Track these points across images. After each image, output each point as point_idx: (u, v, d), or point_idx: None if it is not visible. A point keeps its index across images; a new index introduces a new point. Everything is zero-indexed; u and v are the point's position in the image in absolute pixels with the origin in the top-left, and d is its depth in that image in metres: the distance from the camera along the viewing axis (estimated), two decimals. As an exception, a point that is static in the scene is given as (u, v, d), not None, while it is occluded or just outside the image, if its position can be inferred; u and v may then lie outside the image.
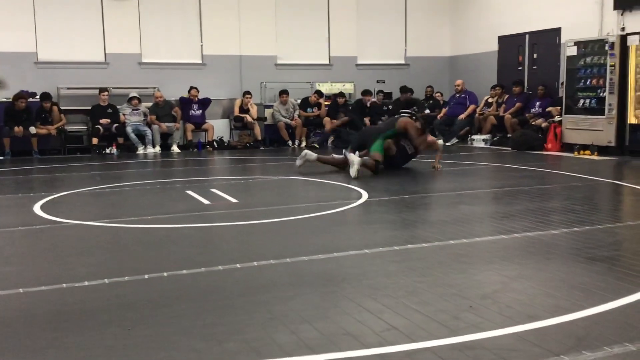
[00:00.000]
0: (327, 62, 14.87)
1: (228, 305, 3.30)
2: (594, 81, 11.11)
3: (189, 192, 7.23)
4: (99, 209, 6.50)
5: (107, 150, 12.28)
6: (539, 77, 13.12)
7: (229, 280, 3.80)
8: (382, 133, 8.94)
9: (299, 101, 13.85)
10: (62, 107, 12.32)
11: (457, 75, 15.09)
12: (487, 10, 14.61)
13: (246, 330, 2.94)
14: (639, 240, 4.83)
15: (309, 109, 13.80)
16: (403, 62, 15.56)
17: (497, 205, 6.54)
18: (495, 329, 2.90)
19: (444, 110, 14.27)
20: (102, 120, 12.26)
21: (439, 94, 14.94)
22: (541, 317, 3.03)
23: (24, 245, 4.93)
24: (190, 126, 12.97)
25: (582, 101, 11.35)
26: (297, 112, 13.59)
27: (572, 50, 11.47)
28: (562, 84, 11.98)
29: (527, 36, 13.52)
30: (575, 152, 10.97)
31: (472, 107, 13.91)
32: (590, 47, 11.17)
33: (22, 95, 11.65)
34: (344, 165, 8.75)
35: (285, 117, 13.46)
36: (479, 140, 13.21)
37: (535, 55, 13.46)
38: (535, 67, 13.46)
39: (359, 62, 15.11)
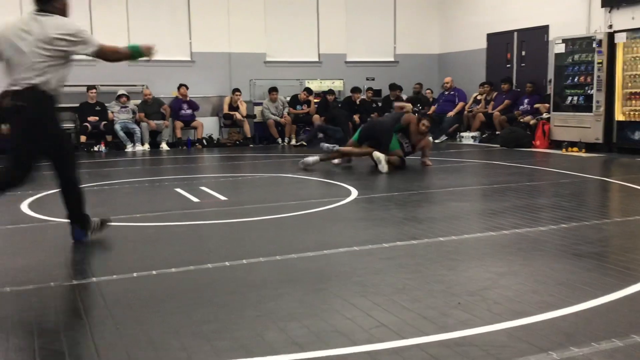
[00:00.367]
0: (317, 59, 14.87)
1: (217, 304, 3.29)
2: (582, 78, 11.17)
3: (178, 190, 7.21)
4: (87, 207, 6.45)
5: (96, 148, 12.21)
6: (527, 74, 13.18)
7: (218, 278, 3.79)
8: (390, 129, 8.88)
9: (288, 99, 13.83)
10: (49, 105, 12.22)
11: (446, 73, 15.14)
12: (475, 8, 14.65)
13: (235, 328, 2.94)
14: (626, 236, 4.86)
15: (298, 107, 13.79)
16: (392, 59, 15.57)
17: (485, 202, 6.56)
18: (484, 325, 2.92)
19: (432, 108, 14.31)
20: (91, 118, 12.20)
21: (429, 91, 14.98)
22: (529, 314, 3.05)
23: (10, 244, 4.89)
24: (179, 124, 12.93)
25: (570, 98, 11.41)
26: (286, 110, 13.58)
27: (560, 48, 11.53)
28: (550, 81, 12.04)
29: (515, 34, 13.57)
30: (563, 149, 11.03)
31: (461, 104, 13.97)
32: (578, 45, 11.23)
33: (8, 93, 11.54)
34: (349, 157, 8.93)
35: (274, 114, 13.44)
36: (467, 137, 13.26)
37: (523, 53, 13.52)
38: (523, 64, 13.51)
39: (348, 59, 15.11)
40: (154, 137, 12.86)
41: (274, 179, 8.42)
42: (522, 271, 3.85)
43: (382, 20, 15.42)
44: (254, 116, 13.64)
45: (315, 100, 13.94)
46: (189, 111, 13.03)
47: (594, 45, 10.90)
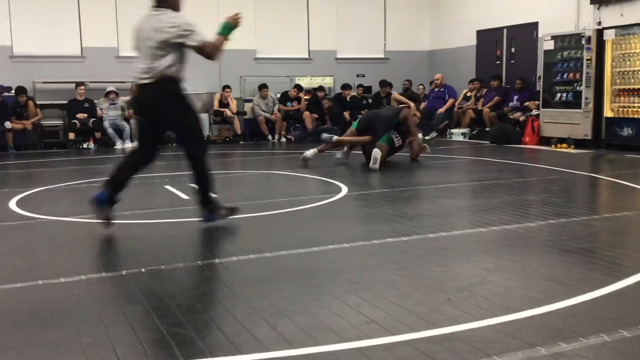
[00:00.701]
0: (307, 56, 14.85)
1: (206, 301, 3.28)
2: (571, 75, 11.23)
3: (168, 187, 7.18)
4: (76, 205, 6.43)
5: (85, 145, 12.15)
6: (516, 71, 13.22)
7: (207, 275, 3.78)
8: (390, 123, 8.86)
9: (278, 95, 13.81)
10: (38, 102, 12.16)
11: (436, 70, 15.16)
12: (465, 4, 14.68)
13: (225, 325, 2.93)
14: (615, 232, 4.89)
15: (288, 103, 13.77)
16: (382, 56, 15.58)
17: (475, 198, 6.59)
18: (473, 321, 2.93)
19: (422, 104, 14.33)
20: (79, 115, 12.13)
21: (421, 87, 14.99)
22: (518, 309, 3.06)
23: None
24: (169, 120, 12.86)
25: (559, 95, 11.47)
26: (276, 107, 13.56)
27: (550, 45, 11.58)
28: (540, 77, 12.09)
29: (505, 30, 13.61)
30: (553, 146, 11.08)
31: (451, 101, 14.00)
32: (567, 41, 11.28)
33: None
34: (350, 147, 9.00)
35: (265, 111, 13.42)
36: (457, 134, 13.30)
37: (513, 50, 13.56)
38: (513, 61, 13.56)
39: (339, 56, 15.10)
40: (144, 134, 12.79)
41: (264, 176, 8.40)
42: (511, 267, 3.87)
43: (373, 17, 15.42)
44: (245, 113, 13.61)
45: (306, 97, 13.93)
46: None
47: (583, 42, 10.95)
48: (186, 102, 4.99)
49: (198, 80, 13.66)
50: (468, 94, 13.92)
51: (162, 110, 4.84)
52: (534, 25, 12.80)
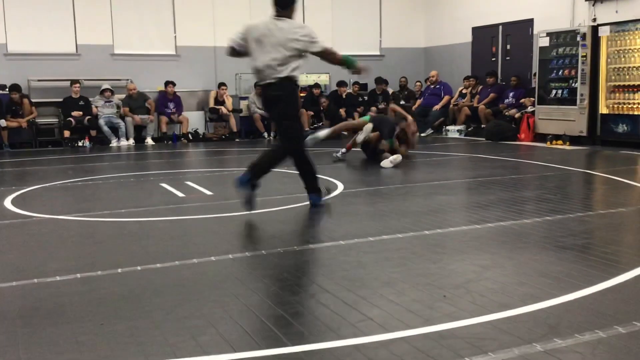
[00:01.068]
0: (303, 53, 14.80)
1: (202, 299, 3.28)
2: (566, 72, 11.24)
3: (163, 185, 7.17)
4: (71, 203, 6.42)
5: (80, 143, 12.12)
6: (512, 68, 13.24)
7: (203, 273, 3.78)
8: (394, 130, 9.01)
9: (274, 93, 13.77)
10: (33, 100, 12.11)
11: (431, 67, 15.16)
12: (460, 1, 14.68)
13: (221, 323, 2.93)
14: (610, 228, 4.91)
15: (284, 101, 13.74)
16: (378, 53, 15.57)
17: (471, 195, 6.59)
18: (469, 318, 2.93)
19: (418, 102, 14.33)
20: (74, 113, 12.10)
21: (418, 84, 14.98)
22: (513, 306, 3.07)
23: (-6, 241, 4.84)
24: (164, 118, 12.85)
25: (554, 91, 11.48)
26: (272, 104, 13.52)
27: (545, 41, 11.59)
28: (535, 74, 12.10)
29: (500, 27, 13.62)
30: (548, 142, 11.10)
31: (446, 97, 14.00)
32: (562, 38, 11.29)
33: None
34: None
35: (261, 108, 13.39)
36: (453, 131, 13.31)
37: (508, 46, 13.58)
38: (508, 58, 13.57)
39: (334, 53, 15.06)
40: (139, 132, 12.78)
41: (260, 173, 8.38)
42: (507, 264, 3.88)
43: (368, 14, 15.41)
44: (240, 110, 13.59)
45: (302, 94, 13.92)
46: (174, 109, 12.97)
47: (578, 38, 10.96)
48: (298, 103, 5.75)
49: (194, 78, 13.69)
50: (463, 91, 13.93)
51: (280, 105, 5.42)
52: (530, 22, 12.81)
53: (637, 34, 10.22)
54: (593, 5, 11.30)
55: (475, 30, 14.28)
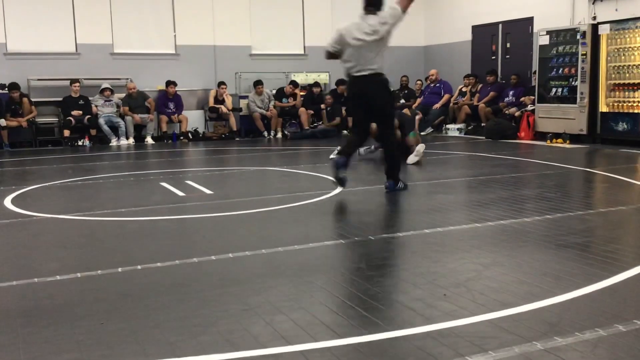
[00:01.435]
0: (302, 52, 14.82)
1: (203, 298, 3.28)
2: (566, 70, 11.23)
3: (164, 184, 7.17)
4: (71, 202, 6.42)
5: (80, 143, 12.11)
6: (512, 66, 13.23)
7: (203, 272, 3.78)
8: (413, 124, 9.38)
9: (274, 92, 13.80)
10: (32, 99, 12.11)
11: (431, 65, 15.15)
12: (460, 0, 14.66)
13: (221, 322, 2.93)
14: (610, 226, 4.90)
15: (284, 100, 13.76)
16: (378, 51, 15.54)
17: (471, 193, 6.59)
18: (469, 316, 2.93)
19: (418, 100, 14.33)
20: (74, 112, 12.10)
21: (419, 82, 14.96)
22: (514, 304, 3.07)
23: (-6, 240, 4.84)
24: (164, 117, 12.85)
25: (554, 90, 11.48)
26: (272, 103, 13.54)
27: (545, 40, 11.58)
28: (535, 72, 12.10)
29: (500, 25, 13.61)
30: (548, 141, 11.09)
31: (446, 96, 13.99)
32: (562, 36, 11.28)
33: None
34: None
35: (260, 107, 13.40)
36: (453, 129, 13.31)
37: (508, 45, 13.57)
38: (508, 56, 13.57)
39: (334, 52, 15.05)
40: (139, 131, 12.78)
41: (260, 172, 8.40)
42: (507, 262, 3.87)
43: (368, 13, 15.37)
44: (240, 109, 13.59)
45: (301, 94, 13.92)
46: (174, 109, 12.96)
47: (578, 36, 10.96)
48: (392, 94, 6.51)
49: (193, 77, 13.69)
50: (463, 89, 13.93)
51: (377, 97, 6.09)
52: (529, 20, 12.80)
53: (637, 32, 10.21)
54: (593, 3, 11.30)
55: (475, 28, 14.27)
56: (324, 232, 4.72)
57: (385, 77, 6.15)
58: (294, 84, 13.84)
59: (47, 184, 7.40)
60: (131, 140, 12.47)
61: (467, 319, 2.90)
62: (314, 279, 3.56)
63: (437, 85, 14.21)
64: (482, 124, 12.70)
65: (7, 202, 6.15)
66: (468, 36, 14.45)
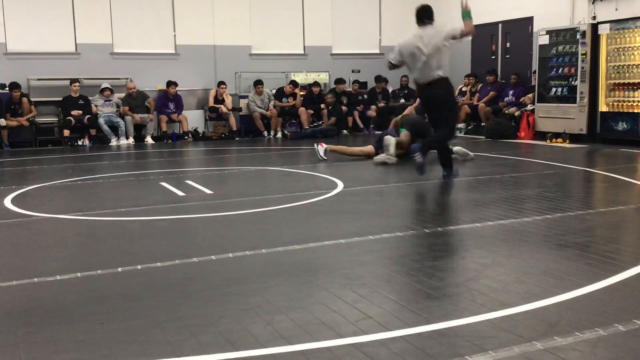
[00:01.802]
0: (302, 52, 14.81)
1: (202, 297, 3.28)
2: (566, 69, 11.23)
3: (163, 184, 7.17)
4: (71, 202, 6.42)
5: (80, 142, 12.11)
6: (512, 66, 13.22)
7: (203, 272, 3.78)
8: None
9: (274, 91, 13.79)
10: (32, 99, 12.10)
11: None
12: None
13: (221, 322, 2.93)
14: (610, 226, 4.91)
15: (284, 99, 13.75)
16: (378, 51, 15.54)
17: (471, 193, 6.59)
18: (469, 316, 2.93)
19: (418, 100, 14.30)
20: (74, 112, 12.08)
21: None
22: (514, 304, 3.07)
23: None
24: (164, 117, 12.85)
25: (554, 89, 11.48)
26: (272, 103, 13.54)
27: (544, 39, 11.58)
28: (535, 72, 12.09)
29: (500, 25, 13.60)
30: (548, 140, 11.09)
31: (446, 96, 13.97)
32: (562, 36, 11.28)
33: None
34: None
35: (260, 107, 13.40)
36: (453, 129, 13.28)
37: (508, 44, 13.56)
38: (508, 56, 13.56)
39: (334, 51, 15.07)
40: (139, 131, 12.77)
41: (260, 172, 8.40)
42: (507, 262, 3.88)
43: (368, 12, 15.39)
44: (240, 109, 13.58)
45: (301, 93, 13.92)
46: (174, 109, 12.96)
47: (578, 36, 10.95)
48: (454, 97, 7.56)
49: (193, 77, 13.68)
50: (463, 89, 13.92)
51: (441, 100, 6.80)
52: (529, 20, 12.80)
53: (637, 32, 10.21)
54: (593, 3, 11.29)
55: (475, 28, 14.21)
56: (324, 231, 4.71)
57: (448, 80, 6.84)
58: (293, 83, 13.84)
59: (47, 183, 7.41)
60: (131, 140, 12.47)
61: (466, 318, 2.90)
62: (314, 279, 3.57)
63: (437, 85, 14.19)
64: (482, 124, 12.70)
65: (7, 202, 6.15)
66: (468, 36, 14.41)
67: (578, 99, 11.01)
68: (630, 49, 10.34)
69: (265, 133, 13.42)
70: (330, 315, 2.99)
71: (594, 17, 11.17)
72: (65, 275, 3.71)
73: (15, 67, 12.21)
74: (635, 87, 10.31)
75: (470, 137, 12.49)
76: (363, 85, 14.82)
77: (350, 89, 14.44)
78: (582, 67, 10.91)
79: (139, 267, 3.85)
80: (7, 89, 11.78)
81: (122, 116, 12.49)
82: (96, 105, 12.39)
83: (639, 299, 3.16)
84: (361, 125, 14.06)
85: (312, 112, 13.67)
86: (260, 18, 14.29)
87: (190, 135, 12.95)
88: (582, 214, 5.19)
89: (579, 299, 3.16)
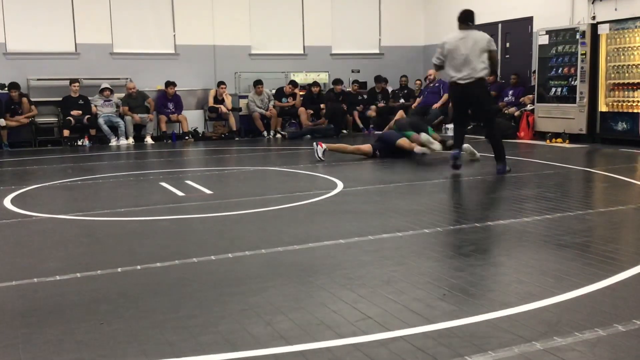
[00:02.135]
0: (302, 52, 14.82)
1: (202, 298, 3.28)
2: (566, 70, 11.23)
3: (163, 184, 7.17)
4: (71, 202, 6.42)
5: (79, 142, 12.11)
6: (511, 66, 13.22)
7: (203, 272, 3.78)
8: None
9: (273, 91, 13.79)
10: (32, 99, 12.10)
11: (431, 65, 15.09)
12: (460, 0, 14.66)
13: (220, 322, 2.93)
14: (610, 226, 4.91)
15: (283, 99, 13.76)
16: (377, 51, 15.56)
17: (470, 194, 6.59)
18: (468, 316, 2.93)
19: (418, 100, 14.32)
20: (74, 112, 12.09)
21: (418, 82, 14.94)
22: (513, 304, 3.07)
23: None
24: (164, 117, 12.85)
25: (553, 89, 11.48)
26: (272, 103, 13.54)
27: (544, 39, 11.58)
28: (534, 72, 12.10)
29: (499, 25, 13.60)
30: (547, 140, 11.10)
31: (446, 96, 13.94)
32: (562, 36, 11.28)
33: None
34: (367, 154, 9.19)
35: (260, 107, 13.40)
36: (452, 129, 13.28)
37: (507, 45, 13.56)
38: (507, 56, 13.56)
39: (334, 51, 15.07)
40: (139, 131, 12.77)
41: (260, 172, 8.40)
42: (507, 262, 3.88)
43: (368, 12, 15.40)
44: (240, 109, 13.58)
45: (301, 93, 13.92)
46: (174, 109, 12.96)
47: (578, 36, 10.95)
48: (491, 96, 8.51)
49: (193, 77, 13.69)
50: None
51: (480, 99, 7.42)
52: (529, 20, 12.80)
53: (637, 32, 10.21)
54: (592, 3, 11.29)
55: (475, 28, 14.22)
56: (324, 232, 4.71)
57: (485, 80, 7.51)
58: (293, 83, 13.83)
59: (46, 183, 7.40)
60: (131, 140, 12.47)
61: (466, 319, 2.90)
62: (314, 279, 3.57)
63: (436, 85, 14.20)
64: (482, 124, 12.68)
65: (7, 202, 6.15)
66: (468, 36, 14.42)
67: (578, 99, 11.01)
68: (629, 49, 10.34)
69: (265, 133, 13.42)
70: (330, 315, 2.99)
71: (594, 17, 11.18)
72: (65, 275, 3.71)
73: (15, 67, 12.22)
74: (634, 87, 10.31)
75: (470, 137, 12.46)
76: (363, 85, 14.82)
77: (350, 89, 14.44)
78: (582, 67, 10.91)
79: (139, 267, 3.85)
80: (6, 89, 11.77)
81: (121, 116, 12.49)
82: (96, 106, 12.39)
83: (639, 299, 3.16)
84: (361, 125, 14.06)
85: (311, 112, 13.67)
86: (260, 18, 14.29)
87: (190, 136, 12.96)
88: (581, 214, 5.19)
89: (578, 299, 3.16)
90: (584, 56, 10.88)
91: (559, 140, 10.98)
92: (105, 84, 12.48)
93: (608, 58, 10.67)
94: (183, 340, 2.72)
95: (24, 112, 11.84)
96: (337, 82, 14.04)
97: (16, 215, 5.53)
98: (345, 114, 13.72)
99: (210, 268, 3.85)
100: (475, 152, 8.95)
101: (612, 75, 10.63)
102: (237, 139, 13.19)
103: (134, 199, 6.46)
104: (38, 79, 12.44)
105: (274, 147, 11.76)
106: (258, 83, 13.32)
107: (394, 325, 2.84)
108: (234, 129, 13.31)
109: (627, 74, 10.43)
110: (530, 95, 12.08)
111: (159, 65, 13.34)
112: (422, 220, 5.02)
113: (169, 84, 12.80)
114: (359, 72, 15.13)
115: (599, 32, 10.74)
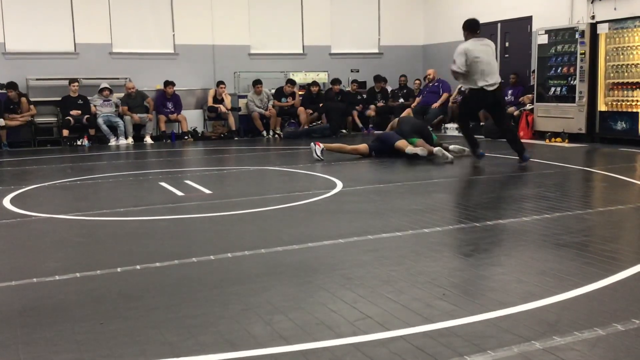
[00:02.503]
0: (301, 51, 14.82)
1: (202, 298, 3.28)
2: (565, 69, 11.24)
3: (162, 183, 7.17)
4: (70, 202, 6.42)
5: (79, 142, 12.10)
6: (510, 65, 13.22)
7: (202, 272, 3.78)
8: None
9: (273, 91, 13.79)
10: (31, 99, 12.10)
11: (430, 64, 15.15)
12: (459, -1, 14.67)
13: (220, 322, 2.93)
14: (609, 226, 4.91)
15: (283, 99, 13.75)
16: (377, 51, 15.57)
17: (469, 193, 6.60)
18: (468, 316, 2.93)
19: (417, 99, 14.33)
20: (73, 112, 12.08)
21: (417, 81, 14.95)
22: (513, 304, 3.07)
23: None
24: (163, 117, 12.84)
25: (553, 89, 11.48)
26: (271, 102, 13.53)
27: (543, 39, 11.59)
28: (534, 72, 12.10)
29: (499, 25, 13.60)
30: (547, 140, 11.10)
31: (445, 95, 13.99)
32: (561, 36, 11.29)
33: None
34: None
35: (259, 107, 13.39)
36: (452, 128, 13.30)
37: (507, 44, 13.57)
38: (507, 55, 13.56)
39: (333, 51, 15.07)
40: (138, 131, 12.77)
41: (259, 171, 8.40)
42: (506, 262, 3.88)
43: (367, 12, 15.40)
44: (239, 109, 13.58)
45: (300, 93, 13.92)
46: (173, 109, 12.96)
47: (577, 36, 10.96)
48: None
49: (192, 76, 13.69)
50: (462, 88, 13.91)
51: (502, 101, 8.32)
52: (528, 20, 12.80)
53: (636, 32, 10.22)
54: (592, 2, 11.30)
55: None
56: (323, 231, 4.71)
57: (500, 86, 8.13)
58: (291, 82, 13.81)
59: (46, 183, 7.40)
60: (130, 140, 12.46)
61: (466, 318, 2.90)
62: (313, 279, 3.57)
63: (436, 84, 14.21)
64: (481, 123, 12.69)
65: (6, 202, 6.15)
66: (467, 35, 14.42)
67: (577, 99, 11.02)
68: (629, 48, 10.34)
69: (264, 133, 13.41)
70: (329, 315, 2.99)
71: (593, 17, 11.18)
72: (64, 275, 3.71)
73: (14, 67, 12.21)
74: (634, 87, 10.32)
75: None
76: (362, 84, 14.82)
77: (349, 89, 14.44)
78: (581, 67, 10.92)
79: (138, 267, 3.85)
80: (5, 89, 11.77)
81: (121, 116, 12.49)
82: (95, 105, 12.38)
83: (638, 299, 3.17)
84: (360, 125, 14.06)
85: (311, 111, 13.67)
86: (259, 18, 14.29)
87: (190, 136, 12.97)
88: (581, 214, 5.19)
89: (578, 299, 3.16)
90: (583, 56, 10.88)
91: (558, 139, 10.98)
92: (104, 84, 12.48)
93: (607, 57, 10.68)
94: (183, 340, 2.73)
95: (22, 111, 11.84)
96: (335, 82, 14.04)
97: (15, 215, 5.53)
98: (344, 113, 13.72)
99: (210, 268, 3.85)
100: (464, 148, 9.07)
101: (612, 75, 10.64)
102: (236, 138, 13.19)
103: (133, 199, 6.46)
104: (37, 79, 12.43)
105: (273, 147, 11.76)
106: (257, 83, 13.31)
107: (394, 325, 2.84)
108: (233, 128, 13.31)
109: (626, 74, 10.43)
110: (530, 95, 12.08)
111: (158, 65, 13.34)
112: (422, 220, 5.02)
113: (168, 83, 12.80)
114: (358, 71, 15.13)
115: (598, 32, 10.75)
